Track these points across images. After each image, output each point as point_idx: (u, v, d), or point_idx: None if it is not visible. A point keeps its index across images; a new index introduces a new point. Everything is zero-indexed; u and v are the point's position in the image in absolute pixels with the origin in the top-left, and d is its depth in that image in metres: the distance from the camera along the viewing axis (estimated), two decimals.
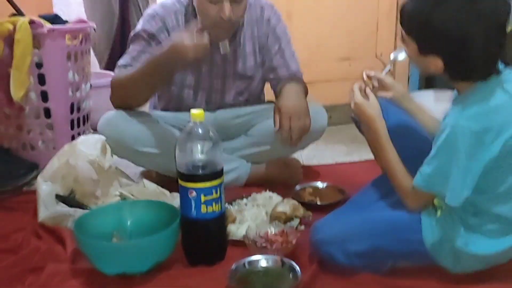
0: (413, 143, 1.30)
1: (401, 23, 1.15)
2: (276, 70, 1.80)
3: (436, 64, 1.09)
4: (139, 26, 1.71)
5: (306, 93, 1.76)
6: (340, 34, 2.62)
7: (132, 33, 1.73)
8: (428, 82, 2.69)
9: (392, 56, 1.41)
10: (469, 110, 1.05)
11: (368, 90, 1.30)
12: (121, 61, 1.69)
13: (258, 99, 1.94)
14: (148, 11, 1.73)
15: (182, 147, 1.23)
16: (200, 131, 1.22)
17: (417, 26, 1.09)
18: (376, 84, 1.35)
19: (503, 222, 1.13)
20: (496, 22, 1.03)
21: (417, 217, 1.18)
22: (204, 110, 1.71)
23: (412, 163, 1.17)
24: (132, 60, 1.66)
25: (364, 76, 1.34)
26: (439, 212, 1.16)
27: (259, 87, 1.90)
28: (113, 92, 1.68)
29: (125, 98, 1.66)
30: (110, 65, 2.70)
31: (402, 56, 1.31)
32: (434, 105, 2.41)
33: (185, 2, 1.71)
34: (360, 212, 1.29)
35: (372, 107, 1.26)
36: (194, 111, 1.22)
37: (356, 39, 2.65)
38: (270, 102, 1.96)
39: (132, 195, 1.58)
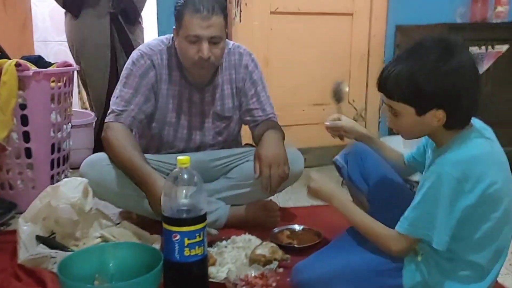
0: (393, 191, 1.37)
1: (389, 97, 1.17)
2: (252, 112, 1.89)
3: (438, 116, 1.13)
4: (129, 65, 1.78)
5: (283, 138, 1.85)
6: (315, 80, 2.74)
7: (123, 72, 1.79)
8: None
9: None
10: (454, 158, 1.12)
11: (314, 174, 1.39)
12: (114, 105, 1.74)
13: (235, 140, 2.02)
14: (136, 51, 1.81)
15: (167, 192, 1.27)
16: (185, 176, 1.27)
17: (409, 92, 1.13)
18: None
19: (476, 269, 1.18)
20: (474, 71, 1.14)
21: (399, 263, 1.22)
22: (184, 149, 1.81)
23: (395, 211, 1.22)
24: (125, 106, 1.73)
25: (328, 125, 1.50)
26: (419, 257, 1.20)
27: (237, 129, 1.98)
28: (103, 142, 1.73)
29: (110, 157, 1.72)
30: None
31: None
32: (402, 149, 2.53)
33: (168, 43, 1.81)
34: (342, 254, 1.32)
35: (324, 188, 1.36)
36: (180, 157, 1.27)
37: (330, 85, 2.75)
38: (248, 145, 2.03)
39: (113, 237, 1.60)
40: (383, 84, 1.18)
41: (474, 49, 2.18)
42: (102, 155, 1.75)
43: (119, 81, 1.80)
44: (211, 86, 1.84)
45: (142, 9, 2.72)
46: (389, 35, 2.78)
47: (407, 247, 1.20)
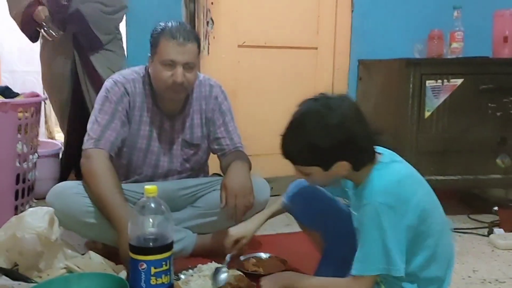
0: (347, 224, 1.40)
1: (295, 164, 1.27)
2: (220, 140, 1.94)
3: (343, 166, 1.22)
4: (103, 93, 1.81)
5: (249, 168, 1.89)
6: (281, 110, 2.77)
7: (98, 99, 1.81)
8: None
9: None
10: (381, 188, 1.19)
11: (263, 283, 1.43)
12: (92, 131, 1.75)
13: (202, 169, 2.05)
14: (109, 80, 1.84)
15: (134, 221, 1.29)
16: (152, 205, 1.29)
17: (310, 155, 1.22)
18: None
19: (437, 282, 1.25)
20: (357, 112, 1.23)
21: None
22: (152, 175, 1.82)
23: (352, 244, 1.27)
24: (102, 131, 1.74)
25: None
26: (382, 287, 1.24)
27: (204, 157, 2.01)
28: (82, 168, 1.73)
29: (86, 188, 1.72)
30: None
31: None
32: None
33: (140, 72, 1.86)
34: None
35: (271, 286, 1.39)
36: (147, 186, 1.29)
37: None
38: (215, 174, 2.06)
39: (78, 267, 1.59)
40: (286, 154, 1.26)
41: (431, 82, 2.29)
42: (68, 183, 1.75)
43: (93, 109, 1.82)
44: (182, 115, 1.89)
45: (106, 34, 2.38)
46: (352, 68, 2.89)
47: (370, 285, 1.22)
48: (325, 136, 1.17)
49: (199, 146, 1.95)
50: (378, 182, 1.20)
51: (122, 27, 2.67)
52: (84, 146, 1.75)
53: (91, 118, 1.80)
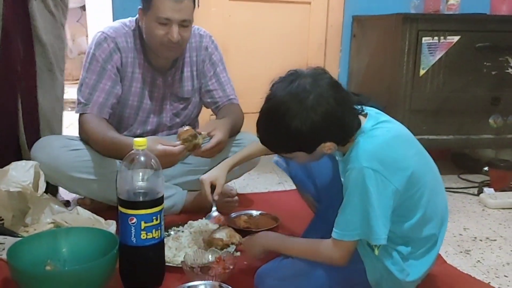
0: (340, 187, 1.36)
1: (278, 153, 1.24)
2: (212, 92, 1.88)
3: (329, 147, 1.16)
4: (91, 49, 1.72)
5: (240, 122, 1.86)
6: (273, 68, 2.70)
7: (86, 56, 1.74)
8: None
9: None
10: (366, 151, 1.13)
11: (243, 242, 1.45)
12: (80, 95, 1.71)
13: (192, 125, 1.99)
14: (98, 34, 1.75)
15: (123, 175, 1.25)
16: (142, 158, 1.24)
17: (292, 143, 1.15)
18: None
19: (431, 240, 1.23)
20: (334, 88, 1.14)
21: (359, 260, 1.21)
22: (142, 132, 1.77)
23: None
24: (90, 94, 1.70)
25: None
26: (376, 251, 1.21)
27: (195, 111, 1.96)
28: (80, 135, 1.74)
29: (95, 150, 1.70)
30: None
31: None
32: None
33: (131, 26, 1.77)
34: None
35: (255, 249, 1.37)
36: (137, 139, 1.24)
37: None
38: None
39: (66, 222, 1.56)
40: (264, 143, 1.20)
41: (427, 39, 2.24)
42: (54, 137, 1.69)
43: (83, 67, 1.74)
44: (173, 69, 1.83)
45: None
46: (346, 25, 2.81)
47: (347, 251, 1.18)
48: (304, 120, 1.09)
49: (189, 100, 1.90)
50: (363, 146, 1.15)
51: None
52: (75, 111, 1.73)
53: (80, 78, 1.74)
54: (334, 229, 1.17)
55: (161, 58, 1.77)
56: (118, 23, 1.79)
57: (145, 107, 1.82)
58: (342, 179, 1.25)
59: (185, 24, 1.66)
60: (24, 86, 1.78)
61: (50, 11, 1.81)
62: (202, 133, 1.59)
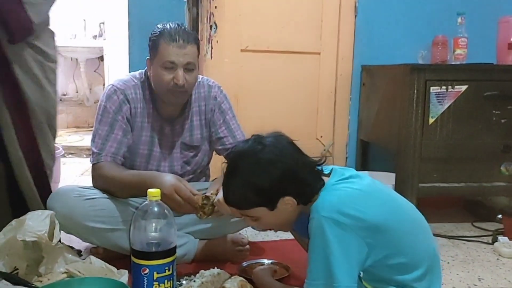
0: None
1: (240, 209, 1.27)
2: (222, 140, 1.92)
3: (287, 202, 1.21)
4: (103, 102, 1.81)
5: None
6: (283, 116, 2.79)
7: (98, 109, 1.82)
8: (363, 164, 2.89)
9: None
10: (326, 202, 1.17)
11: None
12: (93, 146, 1.78)
13: (204, 172, 2.03)
14: (108, 87, 1.84)
15: (137, 225, 1.27)
16: (156, 209, 1.27)
17: (253, 196, 1.21)
18: None
19: (422, 280, 1.21)
20: (289, 146, 1.23)
21: None
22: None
23: None
24: (102, 144, 1.76)
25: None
26: None
27: (205, 160, 2.00)
28: (95, 183, 1.78)
29: (106, 191, 1.75)
30: None
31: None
32: None
33: (141, 78, 1.85)
34: None
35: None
36: (150, 190, 1.27)
37: (298, 121, 2.83)
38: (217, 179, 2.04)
39: (79, 272, 1.57)
40: (229, 202, 1.26)
41: (435, 88, 2.28)
42: (69, 187, 1.73)
43: (95, 119, 1.82)
44: (182, 118, 1.88)
45: (37, 14, 1.65)
46: (355, 74, 2.88)
47: None
48: (261, 173, 1.18)
49: (199, 148, 1.94)
50: (323, 198, 1.20)
51: (124, 32, 2.67)
52: (90, 162, 1.79)
53: (93, 130, 1.81)
54: (305, 280, 1.19)
55: (169, 106, 1.83)
56: (127, 76, 1.88)
57: (155, 155, 1.87)
58: None
59: (190, 67, 1.72)
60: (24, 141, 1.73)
61: (34, 74, 1.72)
62: (212, 192, 1.61)
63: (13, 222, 1.59)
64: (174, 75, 1.70)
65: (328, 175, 1.27)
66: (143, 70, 1.87)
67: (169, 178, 1.59)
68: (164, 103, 1.81)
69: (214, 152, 2.02)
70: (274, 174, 1.18)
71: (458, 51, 2.53)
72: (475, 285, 1.77)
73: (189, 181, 1.94)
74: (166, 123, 1.86)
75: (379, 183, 1.29)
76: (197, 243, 1.85)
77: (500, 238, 2.17)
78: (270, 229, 1.39)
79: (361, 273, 1.26)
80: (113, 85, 1.83)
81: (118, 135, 1.78)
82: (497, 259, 2.03)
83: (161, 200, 1.38)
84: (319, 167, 1.27)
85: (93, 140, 1.80)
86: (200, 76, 1.94)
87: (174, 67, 1.70)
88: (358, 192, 1.21)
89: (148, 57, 1.79)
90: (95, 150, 1.77)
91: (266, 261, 1.81)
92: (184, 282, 1.59)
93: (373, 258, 1.18)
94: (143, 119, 1.83)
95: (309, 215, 1.21)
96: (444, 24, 2.68)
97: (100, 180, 1.76)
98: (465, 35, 2.52)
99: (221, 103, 1.94)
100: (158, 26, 1.75)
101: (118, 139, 1.77)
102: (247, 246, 1.89)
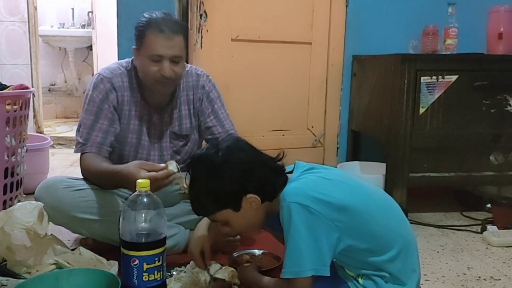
0: None
1: (208, 214, 1.29)
2: (211, 129, 1.90)
3: (250, 200, 1.22)
4: (89, 91, 1.79)
5: None
6: (274, 107, 2.78)
7: (85, 98, 1.80)
8: (354, 154, 2.89)
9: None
10: (290, 190, 1.19)
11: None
12: (78, 135, 1.76)
13: None
14: (96, 75, 1.82)
15: (126, 216, 1.26)
16: (145, 200, 1.26)
17: (216, 199, 1.22)
18: None
19: (402, 263, 1.22)
20: (244, 147, 1.26)
21: None
22: None
23: None
24: (88, 134, 1.74)
25: None
26: (360, 280, 1.22)
27: (195, 148, 1.98)
28: (82, 174, 1.77)
29: (96, 184, 1.74)
30: None
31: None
32: (360, 174, 2.60)
33: (127, 66, 1.83)
34: None
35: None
36: (140, 180, 1.26)
37: (289, 111, 2.82)
38: None
39: (68, 263, 1.56)
40: (197, 209, 1.28)
41: (426, 79, 2.28)
42: (57, 178, 1.71)
43: (82, 108, 1.80)
44: (170, 107, 1.87)
45: None
46: (347, 64, 2.87)
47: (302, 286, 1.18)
48: (218, 175, 1.20)
49: (188, 137, 1.93)
50: (289, 187, 1.21)
51: (113, 21, 2.63)
52: (74, 151, 1.78)
53: (79, 120, 1.79)
54: (282, 269, 1.19)
55: (156, 95, 1.81)
56: (114, 64, 1.86)
57: (144, 144, 1.85)
58: None
59: (176, 60, 1.70)
60: None
61: None
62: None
63: (1, 213, 1.57)
64: (160, 66, 1.68)
65: (291, 171, 1.28)
66: (130, 59, 1.84)
67: (134, 162, 1.56)
68: (152, 92, 1.80)
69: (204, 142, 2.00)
70: (231, 175, 1.19)
71: (448, 41, 2.53)
72: (464, 273, 1.78)
73: (179, 171, 1.93)
74: (154, 112, 1.85)
75: (347, 172, 1.31)
76: (188, 233, 1.84)
77: (489, 227, 2.18)
78: (241, 234, 1.39)
79: (340, 261, 1.26)
80: (99, 73, 1.81)
81: (104, 125, 1.76)
82: (486, 248, 2.04)
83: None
84: (280, 163, 1.28)
85: (78, 130, 1.78)
86: (189, 65, 1.93)
87: (160, 60, 1.68)
88: (322, 180, 1.22)
89: (134, 46, 1.76)
90: (80, 140, 1.75)
91: (256, 252, 1.81)
92: (174, 272, 1.59)
93: (345, 242, 1.18)
94: (131, 108, 1.81)
95: (278, 211, 1.21)
96: (435, 14, 2.67)
97: (84, 171, 1.75)
98: (456, 25, 2.52)
99: (210, 92, 1.92)
100: (145, 15, 1.72)
101: (103, 129, 1.75)
102: (238, 237, 1.88)
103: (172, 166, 1.49)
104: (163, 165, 1.52)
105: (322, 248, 1.15)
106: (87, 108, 1.77)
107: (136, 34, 1.73)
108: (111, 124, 1.77)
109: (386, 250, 1.21)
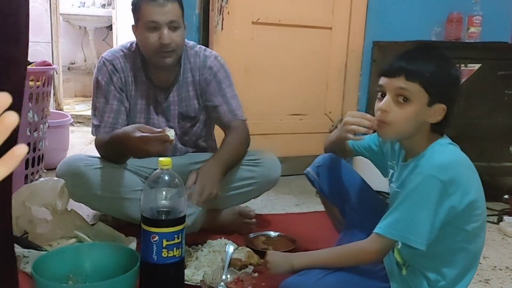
0: (367, 203, 1.42)
1: (412, 78, 1.16)
2: (217, 108, 1.87)
3: (440, 111, 1.18)
4: (95, 75, 1.84)
5: (246, 142, 1.84)
6: (293, 91, 2.77)
7: (93, 82, 1.84)
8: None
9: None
10: (439, 162, 1.15)
11: (269, 257, 1.36)
12: (93, 118, 1.81)
13: (207, 142, 2.01)
14: (99, 59, 1.86)
15: (147, 193, 1.28)
16: (166, 178, 1.27)
17: (435, 79, 1.16)
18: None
19: (460, 274, 1.21)
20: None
21: (385, 283, 1.23)
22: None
23: (370, 223, 1.24)
24: (101, 117, 1.79)
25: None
26: (404, 271, 1.22)
27: (205, 130, 1.98)
28: (98, 152, 1.79)
29: (109, 158, 1.75)
30: None
31: None
32: None
33: (131, 48, 1.85)
34: (330, 273, 1.25)
35: (280, 269, 1.32)
36: (161, 158, 1.28)
37: (307, 96, 2.81)
38: None
39: (88, 237, 1.59)
40: (410, 64, 1.18)
41: None
42: (78, 156, 1.74)
43: (92, 92, 1.84)
44: (175, 86, 1.86)
45: None
46: (366, 50, 2.84)
47: (382, 248, 1.19)
48: (454, 74, 1.21)
49: (196, 118, 1.92)
50: (437, 157, 1.16)
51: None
52: (92, 134, 1.82)
53: (92, 104, 1.83)
54: (379, 224, 1.18)
55: (161, 72, 1.80)
56: (118, 47, 1.89)
57: (153, 123, 1.85)
58: (392, 185, 1.29)
59: (174, 25, 1.69)
60: None
61: None
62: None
63: (23, 188, 1.61)
64: (159, 34, 1.68)
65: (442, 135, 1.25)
66: (134, 41, 1.84)
67: (133, 125, 1.57)
68: (156, 69, 1.79)
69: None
70: (456, 83, 1.22)
71: (472, 29, 2.50)
72: (480, 263, 1.77)
73: (196, 152, 1.94)
74: (160, 92, 1.85)
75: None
76: (206, 214, 1.86)
77: (505, 218, 2.17)
78: (386, 123, 1.22)
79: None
80: (102, 56, 1.85)
81: (114, 105, 1.79)
82: (502, 238, 2.03)
83: (131, 143, 1.46)
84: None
85: (93, 114, 1.82)
86: (198, 46, 1.92)
87: (158, 27, 1.68)
88: (465, 162, 1.20)
89: (133, 24, 1.77)
90: (95, 123, 1.79)
91: (272, 233, 1.82)
92: (192, 251, 1.61)
93: (448, 231, 1.17)
94: (136, 87, 1.83)
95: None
96: (459, 1, 2.63)
97: (99, 150, 1.78)
98: (480, 13, 2.48)
99: (217, 72, 1.89)
100: None
101: (114, 109, 1.79)
102: (254, 220, 1.90)
103: (170, 133, 1.47)
104: (160, 129, 1.50)
105: (436, 227, 1.14)
106: (97, 92, 1.81)
107: (132, 9, 1.74)
108: (121, 103, 1.80)
109: (466, 257, 1.21)
